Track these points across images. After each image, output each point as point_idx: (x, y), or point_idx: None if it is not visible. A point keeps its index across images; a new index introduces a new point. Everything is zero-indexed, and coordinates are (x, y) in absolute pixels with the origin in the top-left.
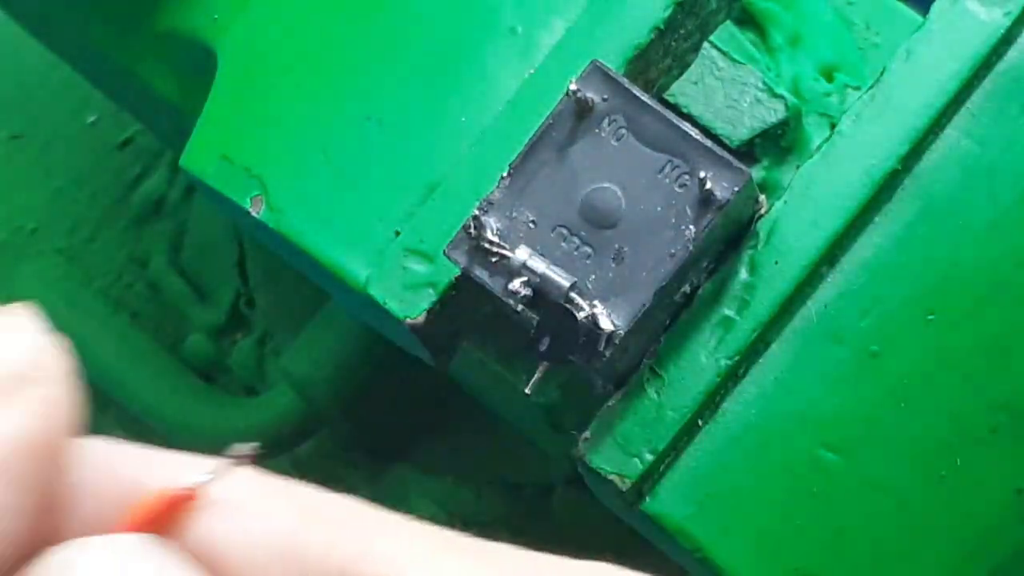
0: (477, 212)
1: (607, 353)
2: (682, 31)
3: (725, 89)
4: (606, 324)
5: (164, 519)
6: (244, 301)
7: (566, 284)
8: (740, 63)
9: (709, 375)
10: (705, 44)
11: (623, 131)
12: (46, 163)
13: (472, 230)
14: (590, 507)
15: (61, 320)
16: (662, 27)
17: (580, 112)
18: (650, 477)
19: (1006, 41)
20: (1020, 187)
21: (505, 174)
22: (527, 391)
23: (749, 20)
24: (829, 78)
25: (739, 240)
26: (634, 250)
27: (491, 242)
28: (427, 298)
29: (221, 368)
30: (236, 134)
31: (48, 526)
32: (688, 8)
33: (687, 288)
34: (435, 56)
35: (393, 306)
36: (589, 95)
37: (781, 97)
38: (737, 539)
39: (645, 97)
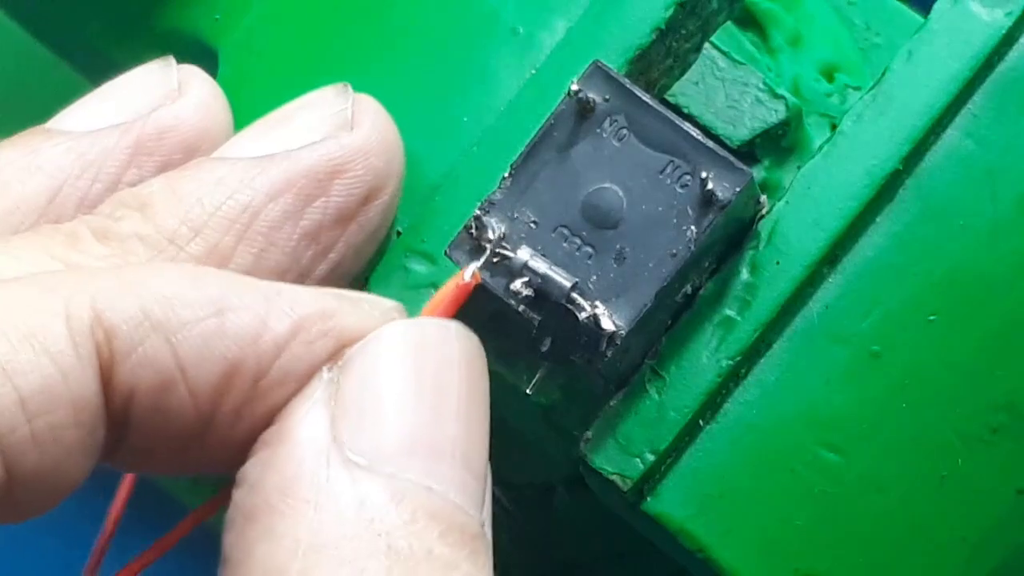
0: (478, 212)
1: (608, 353)
2: (683, 31)
3: (726, 89)
4: (607, 324)
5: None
6: None
7: (567, 284)
8: (741, 63)
9: (710, 375)
10: (706, 44)
11: (624, 131)
12: None
13: (473, 230)
14: (590, 507)
15: None
16: (663, 27)
17: (581, 112)
18: (651, 477)
19: (1007, 42)
20: (1021, 187)
21: (506, 174)
22: (528, 391)
23: (750, 20)
24: (830, 78)
25: (740, 240)
26: (635, 250)
27: (492, 242)
28: (428, 298)
29: None
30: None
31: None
32: (689, 8)
33: (688, 288)
34: (436, 56)
35: None
36: (590, 95)
37: (782, 97)
38: (738, 539)
39: (646, 97)
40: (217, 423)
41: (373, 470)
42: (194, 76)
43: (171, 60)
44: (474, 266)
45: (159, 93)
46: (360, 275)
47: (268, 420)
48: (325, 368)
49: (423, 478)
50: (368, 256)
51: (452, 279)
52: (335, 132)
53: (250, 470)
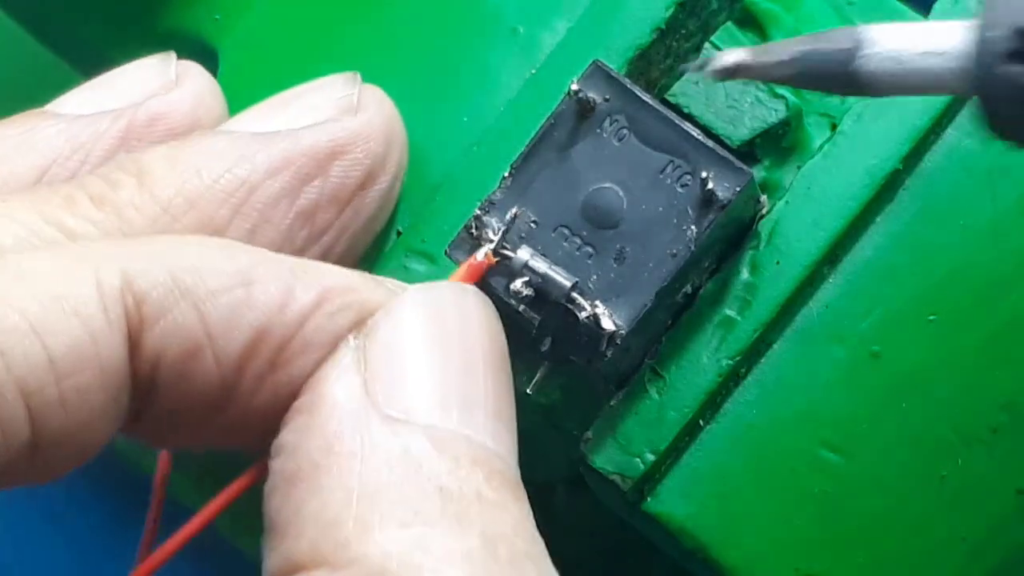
0: (479, 212)
1: (609, 353)
2: (683, 31)
3: (726, 89)
4: (608, 324)
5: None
6: None
7: (567, 284)
8: None
9: (710, 375)
10: (706, 44)
11: (624, 131)
12: None
13: (474, 230)
14: (590, 507)
15: None
16: (663, 27)
17: (581, 112)
18: (652, 477)
19: None
20: (1021, 188)
21: (507, 174)
22: (528, 391)
23: (750, 20)
24: None
25: (740, 240)
26: (636, 250)
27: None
28: None
29: None
30: None
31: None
32: (689, 8)
33: (688, 288)
34: (436, 56)
35: None
36: (590, 95)
37: (782, 97)
38: (738, 539)
39: (646, 97)
40: (239, 393)
41: (412, 423)
42: (192, 69)
43: (172, 55)
44: (487, 247)
45: (156, 84)
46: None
47: (289, 391)
48: (351, 336)
49: (461, 428)
50: (363, 247)
51: (466, 260)
52: (339, 115)
53: (287, 437)
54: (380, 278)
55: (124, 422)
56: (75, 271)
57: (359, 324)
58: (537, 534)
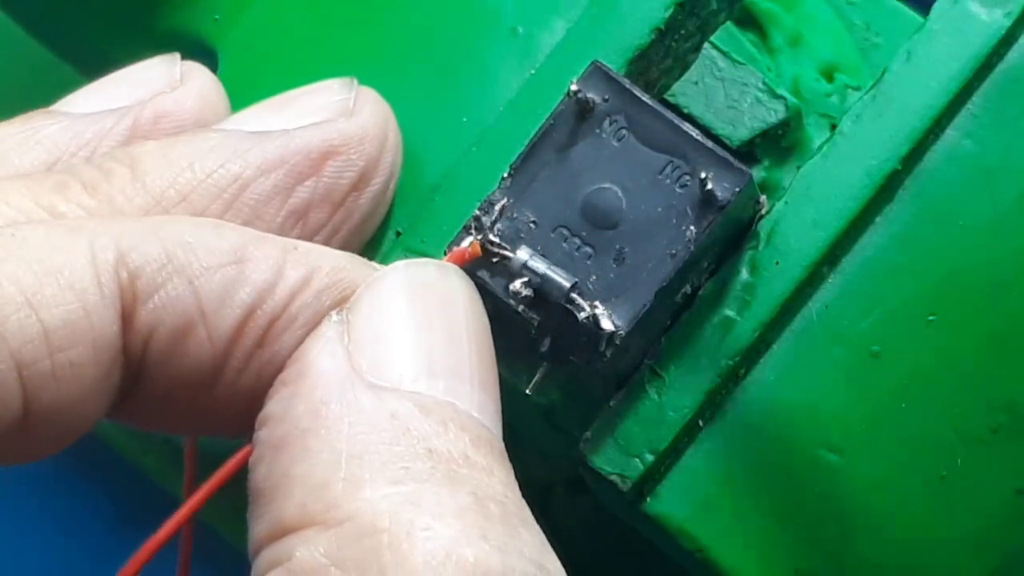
0: (478, 212)
1: (608, 354)
2: (683, 31)
3: (725, 89)
4: (607, 325)
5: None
6: None
7: (567, 285)
8: (740, 63)
9: (710, 375)
10: (706, 44)
11: (624, 132)
12: None
13: (473, 230)
14: (590, 507)
15: None
16: (663, 28)
17: (581, 112)
18: (651, 477)
19: (1007, 42)
20: (1020, 188)
21: (506, 174)
22: (528, 391)
23: (750, 20)
24: (829, 78)
25: (740, 240)
26: (635, 251)
27: (492, 243)
28: None
29: None
30: None
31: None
32: (689, 9)
33: (688, 288)
34: (435, 56)
35: None
36: (590, 95)
37: (781, 98)
38: (738, 539)
39: (646, 98)
40: (228, 371)
41: (397, 390)
42: (196, 69)
43: (176, 55)
44: (474, 237)
45: (161, 83)
46: None
47: (273, 370)
48: (333, 312)
49: (446, 396)
50: (356, 248)
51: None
52: (334, 118)
53: (273, 408)
54: (369, 261)
55: (112, 403)
56: (70, 245)
57: (344, 301)
58: (524, 501)
